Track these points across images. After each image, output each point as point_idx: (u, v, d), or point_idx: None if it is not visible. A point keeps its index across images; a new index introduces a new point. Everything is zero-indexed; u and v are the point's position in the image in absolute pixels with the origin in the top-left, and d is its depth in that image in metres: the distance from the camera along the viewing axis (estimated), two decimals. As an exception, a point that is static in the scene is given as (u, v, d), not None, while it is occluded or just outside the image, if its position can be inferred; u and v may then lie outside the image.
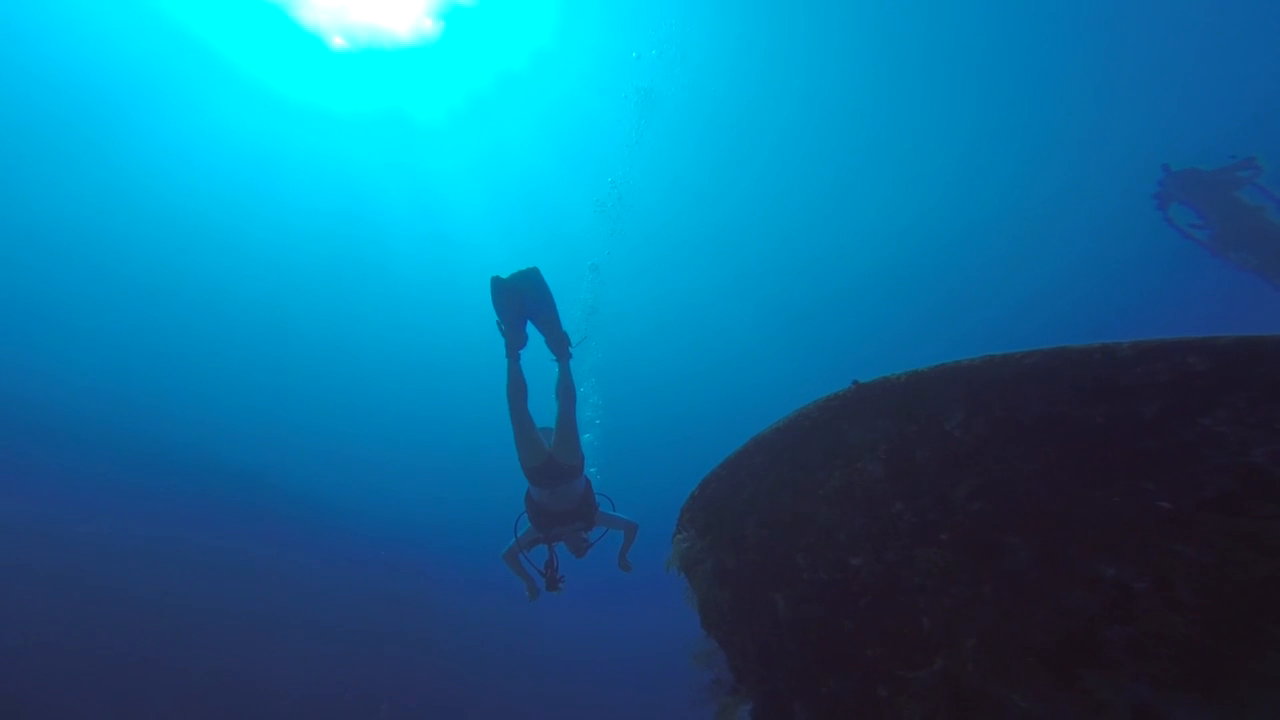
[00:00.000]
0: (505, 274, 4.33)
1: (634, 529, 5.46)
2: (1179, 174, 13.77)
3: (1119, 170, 19.60)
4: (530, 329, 4.61)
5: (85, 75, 19.74)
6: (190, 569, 18.51)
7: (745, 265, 26.54)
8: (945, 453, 1.78)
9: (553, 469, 4.44)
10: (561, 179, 23.68)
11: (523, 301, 4.32)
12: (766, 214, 24.54)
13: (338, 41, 19.22)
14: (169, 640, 14.97)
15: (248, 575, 19.68)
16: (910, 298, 26.30)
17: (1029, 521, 1.55)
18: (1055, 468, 1.51)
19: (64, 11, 18.15)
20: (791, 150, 22.24)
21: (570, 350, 4.67)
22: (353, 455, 30.74)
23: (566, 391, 4.56)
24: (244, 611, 17.46)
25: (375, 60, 19.93)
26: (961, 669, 1.73)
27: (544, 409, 4.79)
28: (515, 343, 4.43)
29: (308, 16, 18.40)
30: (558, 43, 20.00)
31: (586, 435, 6.54)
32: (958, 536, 1.71)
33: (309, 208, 24.15)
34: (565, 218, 24.50)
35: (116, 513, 20.25)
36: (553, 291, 4.39)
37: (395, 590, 23.02)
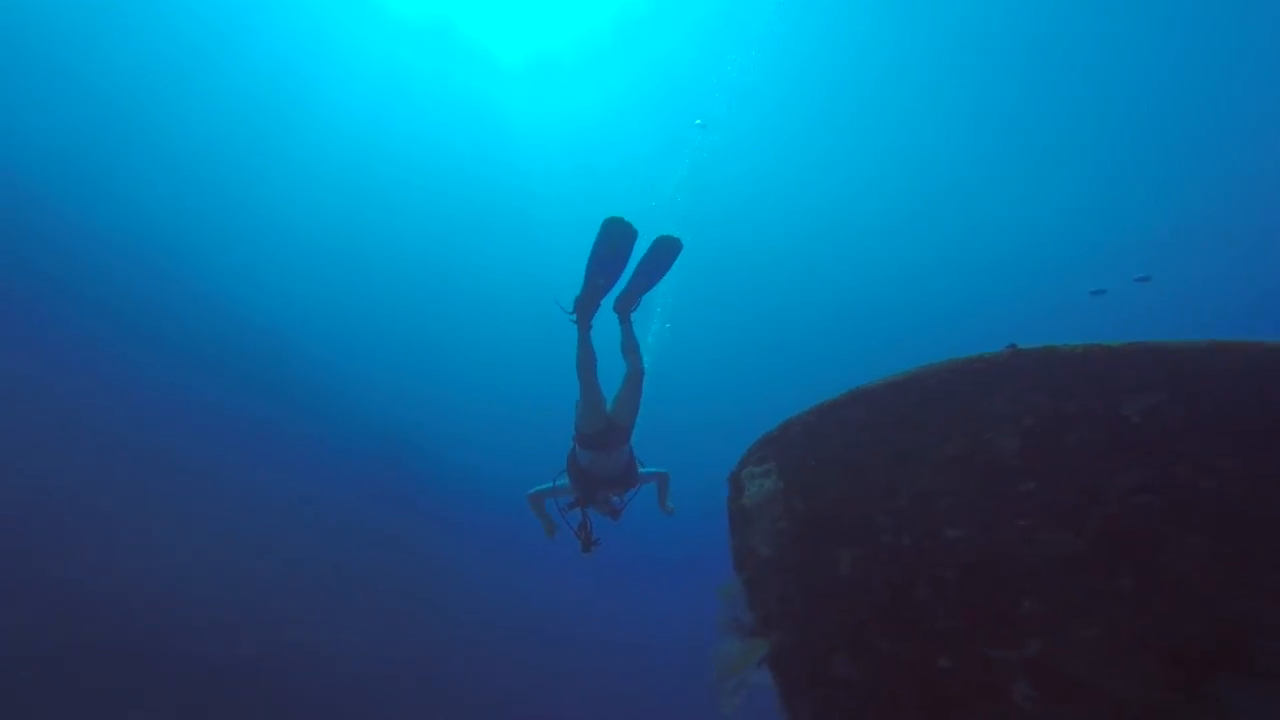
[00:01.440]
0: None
1: (666, 478, 5.41)
2: None
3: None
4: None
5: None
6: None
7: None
8: (1114, 439, 1.61)
9: (611, 433, 4.41)
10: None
11: (643, 259, 4.25)
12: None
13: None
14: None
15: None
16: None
17: (1207, 523, 1.39)
18: (1262, 476, 1.34)
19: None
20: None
21: (631, 314, 4.62)
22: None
23: (634, 349, 4.52)
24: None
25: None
26: (1060, 655, 1.63)
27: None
28: (594, 306, 4.35)
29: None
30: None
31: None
32: (1106, 527, 1.56)
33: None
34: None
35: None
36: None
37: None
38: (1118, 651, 1.56)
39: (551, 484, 4.94)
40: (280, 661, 13.80)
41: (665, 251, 4.33)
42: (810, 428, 2.65)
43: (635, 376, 4.47)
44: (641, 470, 5.14)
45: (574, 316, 4.40)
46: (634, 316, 4.67)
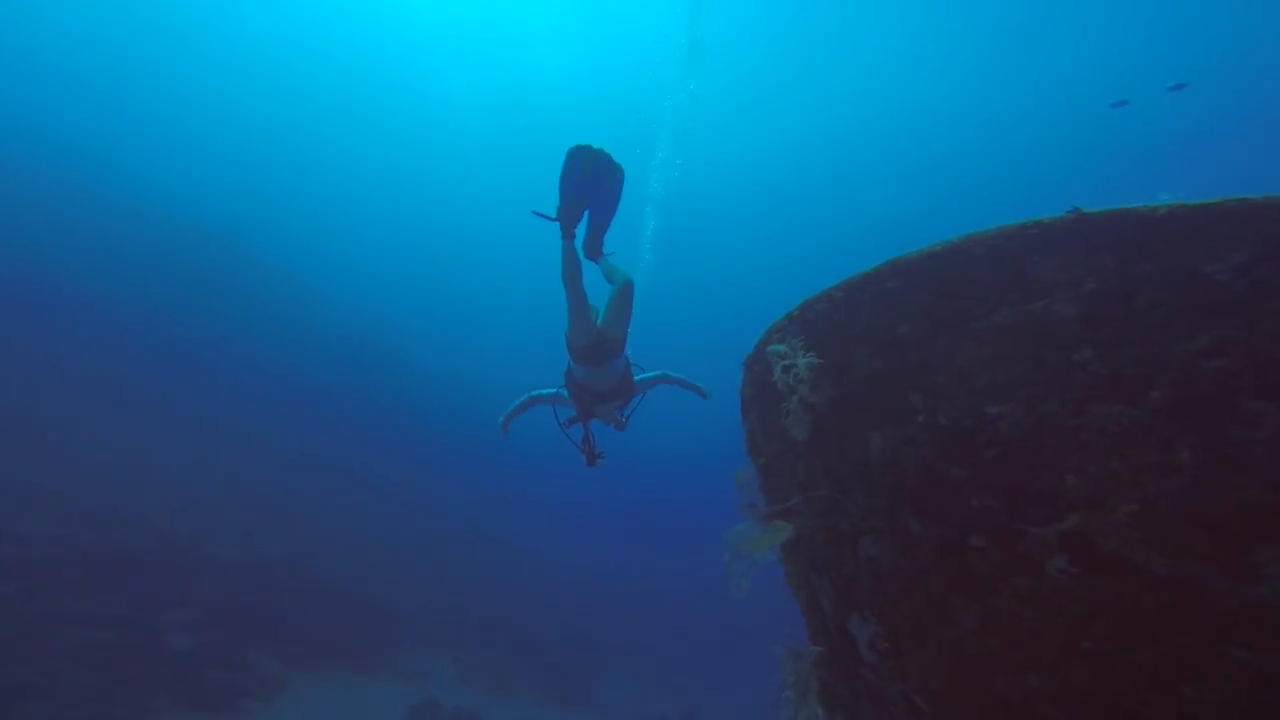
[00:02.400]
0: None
1: (668, 377, 5.32)
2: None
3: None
4: None
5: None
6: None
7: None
8: (1189, 300, 1.47)
9: (601, 345, 4.35)
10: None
11: (599, 184, 4.09)
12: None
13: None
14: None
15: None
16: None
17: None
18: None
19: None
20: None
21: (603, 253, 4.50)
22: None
23: (617, 272, 4.42)
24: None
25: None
26: (1098, 530, 1.59)
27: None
28: (574, 218, 4.18)
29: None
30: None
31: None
32: (1170, 396, 1.45)
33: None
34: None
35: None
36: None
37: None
38: (1157, 525, 1.49)
39: (554, 391, 4.90)
40: (300, 559, 14.60)
41: (611, 178, 4.15)
42: (838, 303, 2.50)
43: (622, 289, 4.34)
44: (640, 378, 5.08)
45: (557, 224, 4.26)
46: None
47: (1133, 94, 15.85)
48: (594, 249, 4.56)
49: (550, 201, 4.32)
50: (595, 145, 4.14)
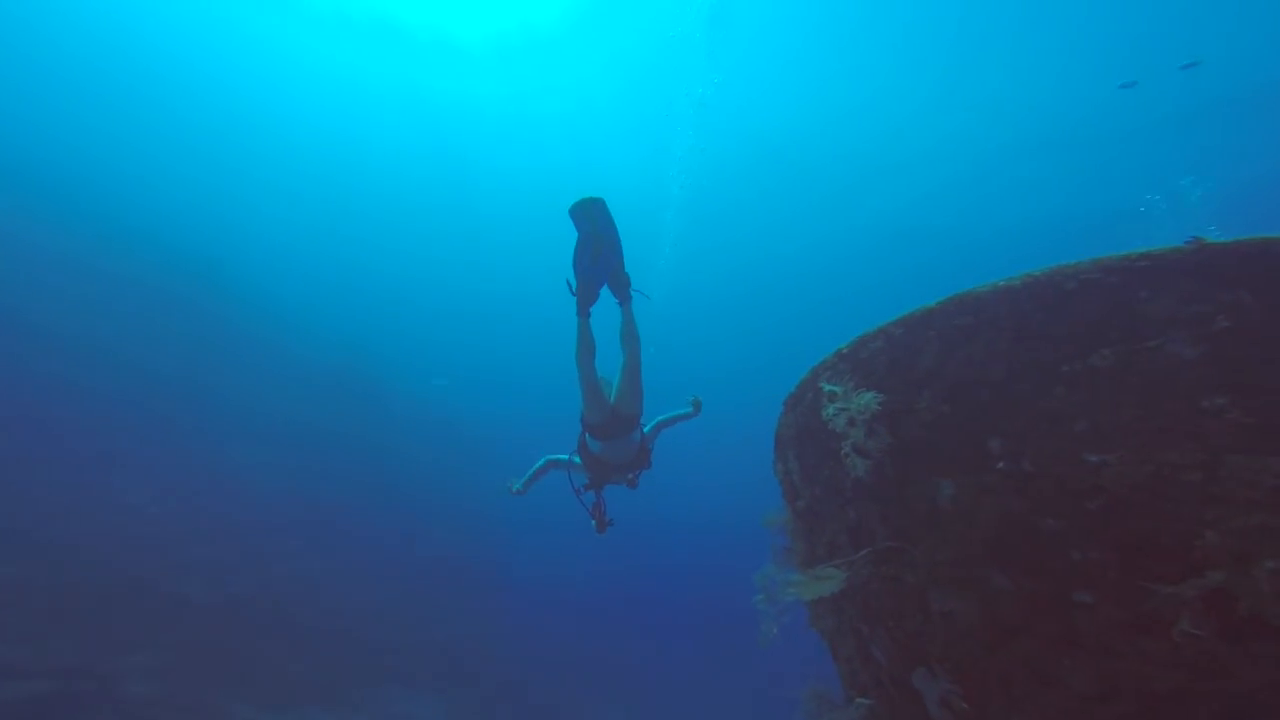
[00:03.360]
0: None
1: (660, 426, 5.22)
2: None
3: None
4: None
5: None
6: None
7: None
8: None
9: (617, 422, 4.34)
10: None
11: (598, 235, 4.01)
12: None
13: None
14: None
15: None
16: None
17: None
18: None
19: None
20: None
21: (631, 292, 4.35)
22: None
23: (631, 336, 4.33)
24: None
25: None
26: (1243, 589, 1.43)
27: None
28: (588, 297, 4.18)
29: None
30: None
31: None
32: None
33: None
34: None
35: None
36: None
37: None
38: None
39: (568, 457, 4.81)
40: (274, 597, 13.89)
41: (597, 217, 4.03)
42: (897, 342, 2.35)
43: (632, 367, 4.31)
44: (654, 432, 5.06)
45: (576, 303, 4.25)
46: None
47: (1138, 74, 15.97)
48: (620, 291, 4.39)
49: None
50: (593, 198, 4.06)
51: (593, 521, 4.68)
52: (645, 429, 5.00)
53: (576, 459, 4.73)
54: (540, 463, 4.99)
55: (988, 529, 1.97)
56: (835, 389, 2.46)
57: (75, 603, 11.31)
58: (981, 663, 2.02)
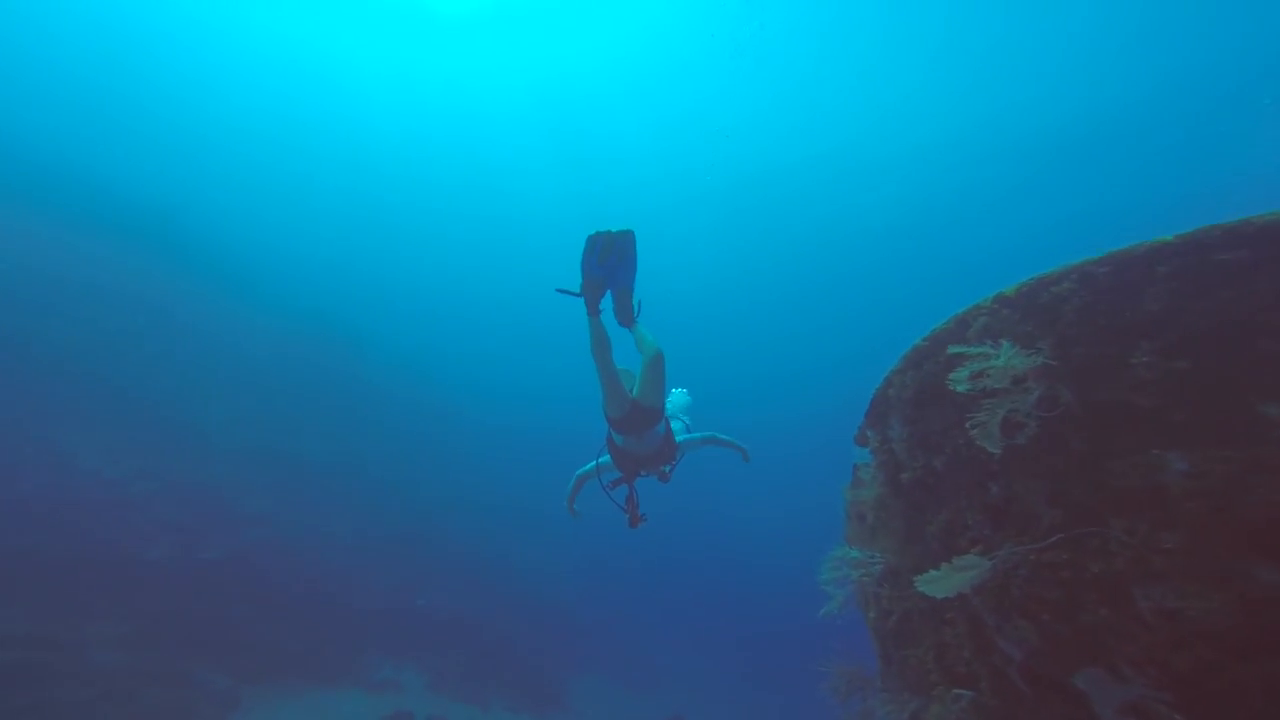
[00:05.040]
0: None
1: (716, 439, 5.32)
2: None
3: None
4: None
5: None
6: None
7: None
8: None
9: (638, 416, 4.38)
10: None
11: (617, 267, 4.18)
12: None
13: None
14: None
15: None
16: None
17: None
18: None
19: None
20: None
21: (636, 317, 4.49)
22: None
23: (647, 343, 4.43)
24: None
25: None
26: None
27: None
28: (597, 297, 4.22)
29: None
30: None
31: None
32: None
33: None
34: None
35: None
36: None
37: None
38: None
39: (594, 463, 4.93)
40: (248, 563, 13.26)
41: (623, 249, 4.16)
42: (1099, 281, 1.91)
43: (653, 360, 4.37)
44: (686, 438, 5.14)
45: (582, 300, 4.31)
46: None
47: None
48: (624, 317, 4.49)
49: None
50: (614, 229, 4.16)
51: (626, 515, 4.71)
52: (694, 435, 5.20)
53: (604, 458, 4.83)
54: (572, 480, 5.07)
55: (1251, 514, 1.59)
56: (983, 349, 2.03)
57: (31, 570, 10.54)
58: (1223, 673, 1.67)
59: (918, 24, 17.98)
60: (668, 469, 4.91)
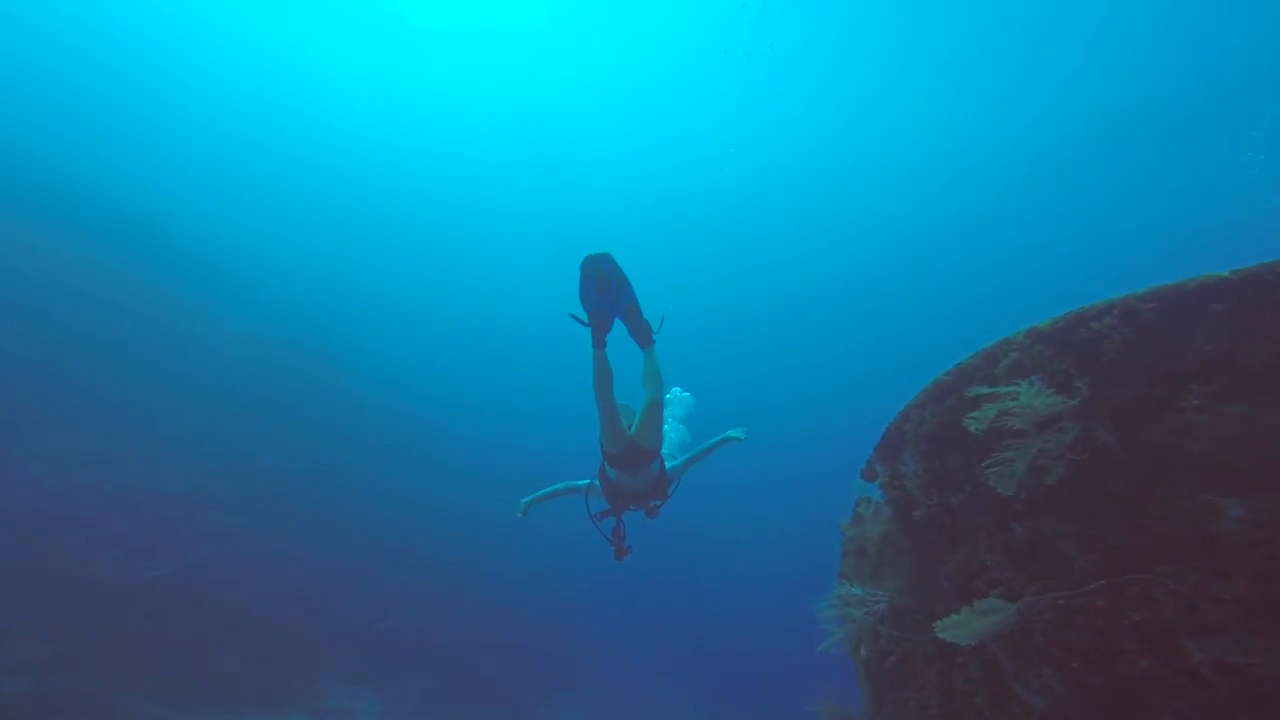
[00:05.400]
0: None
1: (694, 458, 5.20)
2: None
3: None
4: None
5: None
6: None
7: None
8: None
9: (633, 454, 4.36)
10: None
11: (615, 286, 4.12)
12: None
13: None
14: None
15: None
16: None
17: None
18: None
19: None
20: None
21: (654, 338, 4.45)
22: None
23: (654, 377, 4.39)
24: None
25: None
26: None
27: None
28: (602, 329, 4.20)
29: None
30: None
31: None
32: None
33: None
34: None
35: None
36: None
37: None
38: None
39: (587, 483, 4.89)
40: (199, 581, 12.48)
41: (604, 271, 4.09)
42: (1143, 319, 1.84)
43: (651, 406, 4.34)
44: (671, 466, 5.02)
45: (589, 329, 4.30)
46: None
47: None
48: (642, 338, 4.43)
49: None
50: (594, 253, 4.11)
51: (611, 547, 4.69)
52: (679, 460, 5.12)
53: (597, 483, 4.75)
54: (558, 486, 4.99)
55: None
56: (1018, 387, 1.95)
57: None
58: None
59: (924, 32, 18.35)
60: (656, 504, 4.88)
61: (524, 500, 4.93)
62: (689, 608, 30.45)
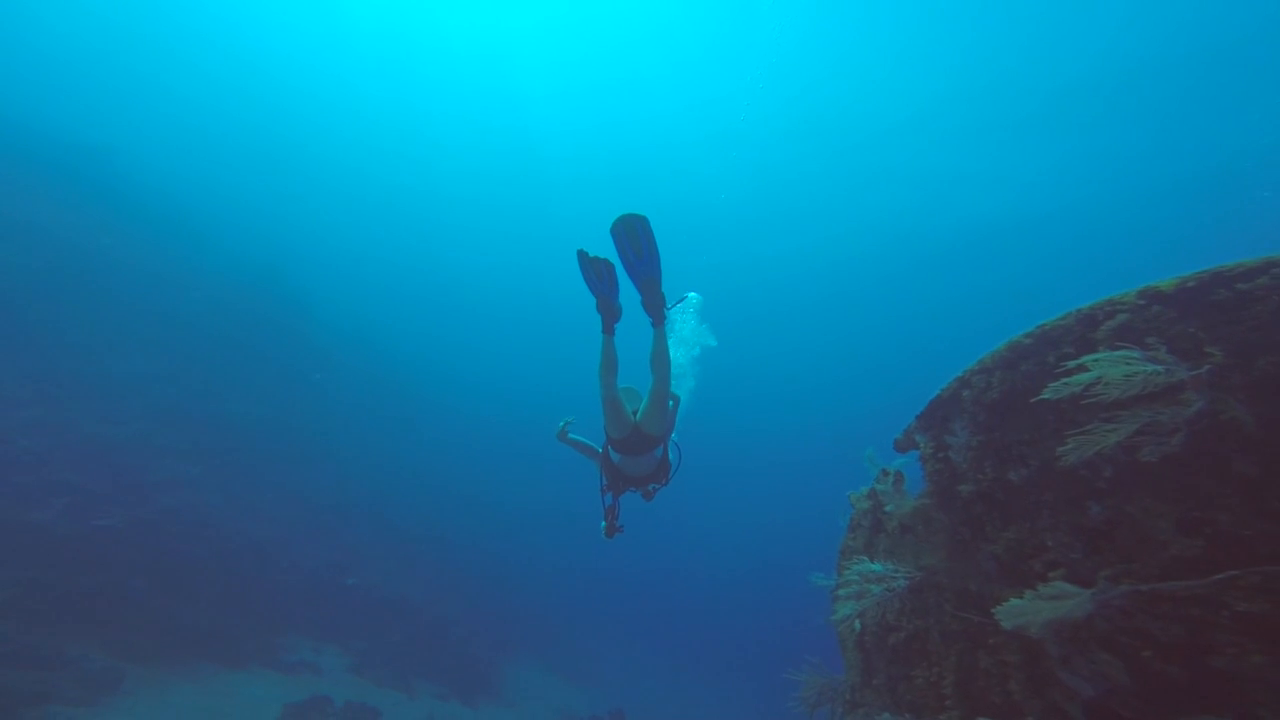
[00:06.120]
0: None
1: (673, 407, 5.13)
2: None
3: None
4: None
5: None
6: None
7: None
8: None
9: (637, 440, 4.37)
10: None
11: (638, 247, 4.02)
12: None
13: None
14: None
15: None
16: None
17: None
18: None
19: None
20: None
21: (666, 313, 4.34)
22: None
23: (661, 361, 4.27)
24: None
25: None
26: None
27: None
28: (610, 314, 4.18)
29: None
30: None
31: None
32: None
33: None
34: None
35: None
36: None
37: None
38: None
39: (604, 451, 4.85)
40: (155, 531, 11.93)
41: (634, 234, 4.00)
42: None
43: (657, 394, 4.28)
44: (676, 455, 5.05)
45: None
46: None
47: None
48: (654, 312, 4.29)
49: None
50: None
51: (603, 524, 4.72)
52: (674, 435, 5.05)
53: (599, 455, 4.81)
54: (590, 442, 4.95)
55: None
56: (1117, 354, 1.72)
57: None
58: None
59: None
60: (653, 488, 4.90)
61: (570, 434, 4.92)
62: (657, 577, 31.06)
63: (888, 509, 3.64)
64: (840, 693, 5.10)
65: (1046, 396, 2.02)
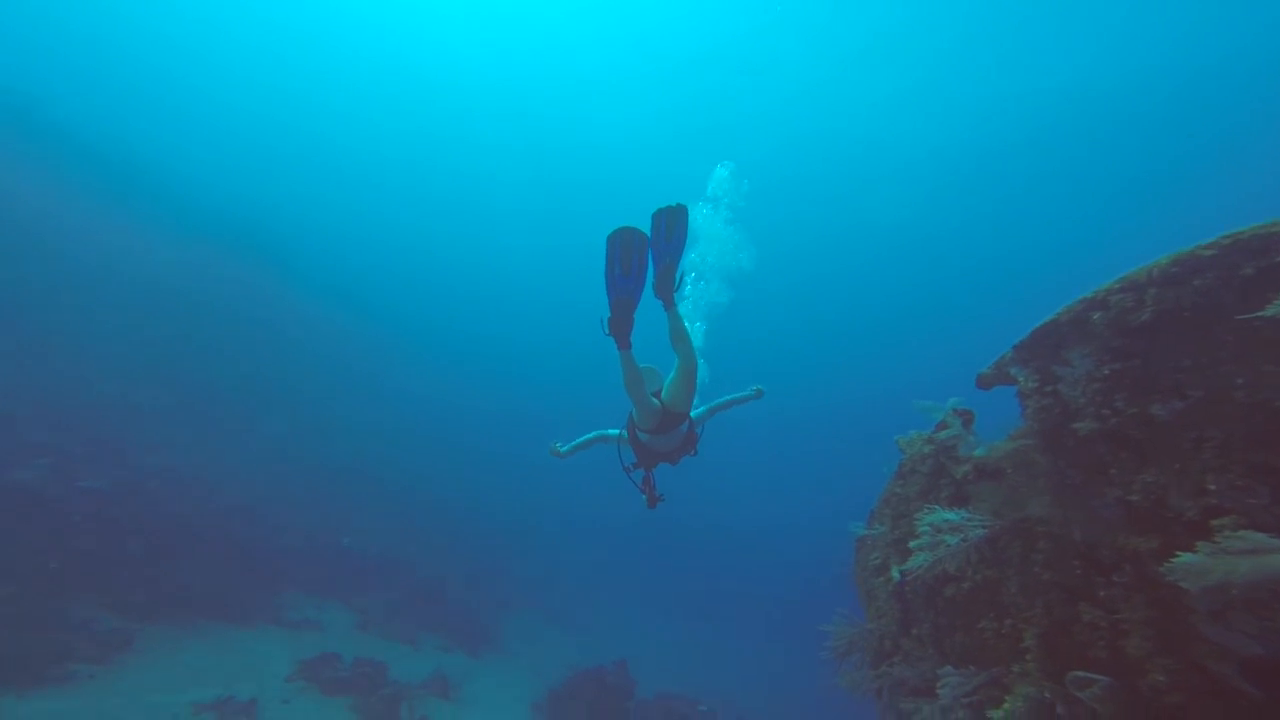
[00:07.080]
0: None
1: (715, 409, 5.16)
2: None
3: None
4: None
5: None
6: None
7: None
8: None
9: (666, 420, 4.41)
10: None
11: (672, 235, 4.00)
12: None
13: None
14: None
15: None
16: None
17: None
18: None
19: None
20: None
21: (675, 296, 4.26)
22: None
23: (681, 338, 4.24)
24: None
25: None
26: None
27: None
28: (627, 324, 4.00)
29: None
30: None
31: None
32: None
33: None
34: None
35: None
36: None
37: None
38: None
39: (618, 433, 4.86)
40: (145, 493, 11.55)
41: (672, 223, 3.99)
42: None
43: (685, 370, 4.28)
44: (697, 414, 4.99)
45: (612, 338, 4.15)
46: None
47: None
48: (664, 292, 4.19)
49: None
50: (636, 225, 3.92)
51: (644, 496, 4.75)
52: (700, 409, 5.07)
53: (626, 434, 4.76)
54: (591, 435, 4.94)
55: None
56: None
57: None
58: None
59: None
60: (678, 457, 4.92)
61: (561, 448, 4.89)
62: (658, 531, 31.48)
63: (960, 452, 3.32)
64: (869, 643, 4.95)
65: (1269, 313, 1.62)
